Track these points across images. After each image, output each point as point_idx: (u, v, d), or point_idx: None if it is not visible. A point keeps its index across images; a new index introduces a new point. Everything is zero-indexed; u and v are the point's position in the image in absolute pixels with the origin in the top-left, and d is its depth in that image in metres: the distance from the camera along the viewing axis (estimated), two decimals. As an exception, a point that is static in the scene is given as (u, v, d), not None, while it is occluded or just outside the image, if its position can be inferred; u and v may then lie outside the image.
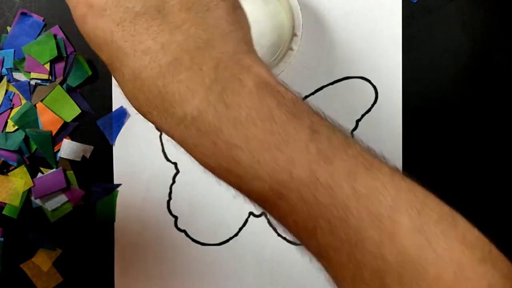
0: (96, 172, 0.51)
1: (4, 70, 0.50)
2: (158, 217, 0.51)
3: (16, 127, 0.50)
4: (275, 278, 0.51)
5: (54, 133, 0.50)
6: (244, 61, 0.27)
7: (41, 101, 0.50)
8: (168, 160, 0.51)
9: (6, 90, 0.50)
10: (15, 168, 0.50)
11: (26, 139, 0.50)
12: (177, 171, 0.51)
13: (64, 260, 0.51)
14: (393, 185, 0.26)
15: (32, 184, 0.50)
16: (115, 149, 0.51)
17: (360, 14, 0.51)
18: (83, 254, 0.51)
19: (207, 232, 0.52)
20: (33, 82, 0.50)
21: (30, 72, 0.50)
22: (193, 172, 0.51)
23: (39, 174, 0.50)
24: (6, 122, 0.50)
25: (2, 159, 0.50)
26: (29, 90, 0.50)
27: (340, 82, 0.51)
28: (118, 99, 0.51)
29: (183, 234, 0.52)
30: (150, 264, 0.52)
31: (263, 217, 0.52)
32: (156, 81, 0.26)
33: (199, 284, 0.52)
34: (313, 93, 0.51)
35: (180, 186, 0.51)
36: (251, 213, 0.52)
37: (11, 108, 0.50)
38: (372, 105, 0.51)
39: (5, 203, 0.50)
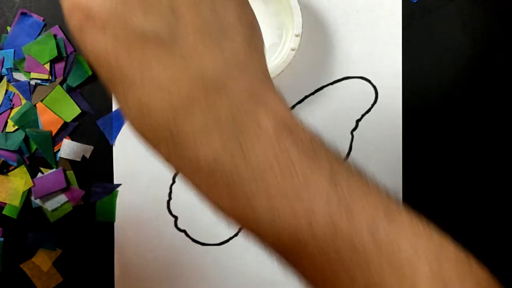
0: (96, 172, 0.51)
1: (4, 70, 0.50)
2: (158, 217, 0.51)
3: (16, 127, 0.50)
4: (275, 278, 0.51)
5: (54, 133, 0.50)
6: (261, 96, 0.25)
7: (41, 101, 0.50)
8: (168, 160, 0.51)
9: (6, 90, 0.50)
10: (15, 168, 0.50)
11: (26, 139, 0.50)
12: (177, 171, 0.51)
13: (64, 260, 0.51)
14: (412, 232, 0.26)
15: (32, 184, 0.50)
16: (115, 149, 0.51)
17: (360, 14, 0.51)
18: (83, 254, 0.51)
19: (207, 232, 0.52)
20: (33, 82, 0.50)
21: (30, 72, 0.50)
22: (193, 172, 0.51)
23: (39, 174, 0.50)
24: (6, 122, 0.50)
25: (2, 159, 0.50)
26: (29, 90, 0.50)
27: (340, 82, 0.51)
28: (118, 99, 0.51)
29: (183, 234, 0.52)
30: (150, 264, 0.52)
31: (263, 217, 0.52)
32: (167, 116, 0.24)
33: (199, 284, 0.52)
34: (313, 93, 0.51)
35: (180, 186, 0.51)
36: (251, 213, 0.52)
37: (11, 108, 0.50)
38: (372, 105, 0.51)
39: (5, 203, 0.50)
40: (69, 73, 0.50)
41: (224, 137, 0.24)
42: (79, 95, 0.51)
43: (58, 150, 0.50)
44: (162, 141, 0.25)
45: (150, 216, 0.51)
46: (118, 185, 0.51)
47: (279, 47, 0.49)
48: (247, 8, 0.26)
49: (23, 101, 0.50)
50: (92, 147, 0.51)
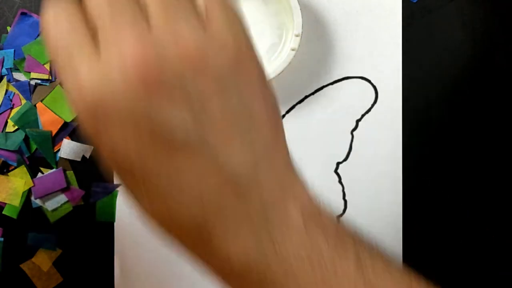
0: (96, 172, 0.51)
1: (4, 70, 0.50)
2: (158, 217, 0.51)
3: (16, 127, 0.50)
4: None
5: (54, 133, 0.50)
6: (289, 186, 0.25)
7: (41, 101, 0.50)
8: (168, 160, 0.51)
9: (6, 90, 0.50)
10: (15, 168, 0.50)
11: (26, 139, 0.50)
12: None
13: (64, 260, 0.51)
14: None
15: (32, 184, 0.50)
16: (115, 149, 0.51)
17: (360, 14, 0.51)
18: (83, 254, 0.51)
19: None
20: (33, 82, 0.50)
21: (30, 72, 0.50)
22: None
23: (39, 174, 0.50)
24: (6, 122, 0.50)
25: (2, 159, 0.50)
26: (29, 90, 0.50)
27: (340, 82, 0.51)
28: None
29: (183, 234, 0.51)
30: (150, 264, 0.51)
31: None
32: (197, 220, 0.23)
33: (199, 284, 0.52)
34: (313, 93, 0.51)
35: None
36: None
37: (11, 108, 0.50)
38: (372, 105, 0.51)
39: (5, 203, 0.50)
40: (69, 73, 0.50)
41: (256, 234, 0.23)
42: (79, 95, 0.51)
43: (58, 150, 0.50)
44: (190, 241, 0.24)
45: (150, 216, 0.51)
46: (118, 185, 0.51)
47: (279, 47, 0.49)
48: (270, 88, 0.25)
49: (23, 101, 0.50)
50: (92, 147, 0.51)
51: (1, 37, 0.51)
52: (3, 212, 0.50)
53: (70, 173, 0.51)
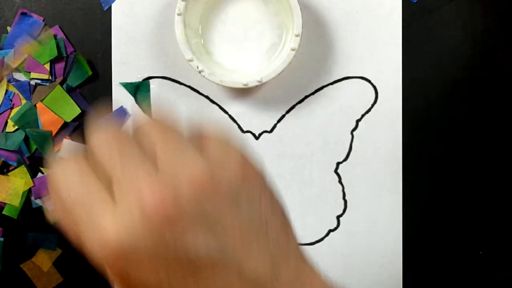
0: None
1: (4, 70, 0.50)
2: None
3: (16, 127, 0.50)
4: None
5: (54, 133, 0.50)
6: (305, 278, 0.26)
7: (41, 101, 0.50)
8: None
9: (6, 90, 0.50)
10: (15, 168, 0.50)
11: (26, 139, 0.50)
12: None
13: (64, 260, 0.51)
14: None
15: (32, 184, 0.50)
16: (115, 149, 0.51)
17: (360, 14, 0.51)
18: (83, 254, 0.51)
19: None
20: (33, 82, 0.50)
21: (30, 72, 0.50)
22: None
23: (39, 174, 0.50)
24: (6, 122, 0.50)
25: (2, 159, 0.50)
26: (29, 90, 0.50)
27: (340, 82, 0.51)
28: (118, 99, 0.51)
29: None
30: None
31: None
32: None
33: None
34: (313, 93, 0.51)
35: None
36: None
37: (11, 108, 0.50)
38: (372, 105, 0.51)
39: (5, 203, 0.50)
40: (69, 73, 0.50)
41: None
42: (79, 95, 0.51)
43: (58, 150, 0.50)
44: None
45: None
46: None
47: (279, 47, 0.49)
48: (275, 192, 0.27)
49: (23, 101, 0.50)
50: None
51: (1, 37, 0.51)
52: (3, 212, 0.50)
53: (70, 173, 0.51)
